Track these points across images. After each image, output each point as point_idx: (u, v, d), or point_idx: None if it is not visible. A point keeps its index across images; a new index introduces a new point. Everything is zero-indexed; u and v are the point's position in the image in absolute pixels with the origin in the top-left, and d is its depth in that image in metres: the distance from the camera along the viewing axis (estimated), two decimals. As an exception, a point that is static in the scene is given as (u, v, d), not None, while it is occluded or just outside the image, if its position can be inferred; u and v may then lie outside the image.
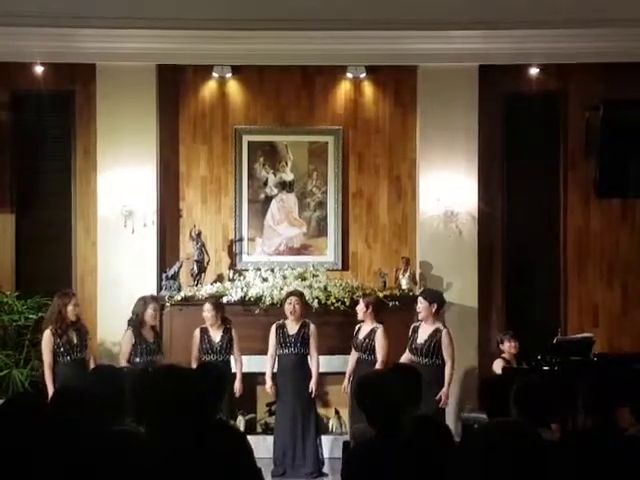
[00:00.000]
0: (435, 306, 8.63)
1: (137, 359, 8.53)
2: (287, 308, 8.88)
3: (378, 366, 8.51)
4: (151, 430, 3.92)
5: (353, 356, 8.95)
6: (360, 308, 8.88)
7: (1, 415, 3.76)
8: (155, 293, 9.64)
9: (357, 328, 8.94)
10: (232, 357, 8.92)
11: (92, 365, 8.42)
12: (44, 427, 3.76)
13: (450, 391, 8.58)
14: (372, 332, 8.78)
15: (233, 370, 8.90)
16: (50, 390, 8.18)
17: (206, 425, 4.39)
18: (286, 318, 8.90)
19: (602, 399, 4.39)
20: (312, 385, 8.81)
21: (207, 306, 8.95)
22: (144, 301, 8.74)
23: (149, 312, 8.66)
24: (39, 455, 3.64)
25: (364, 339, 8.80)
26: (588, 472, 3.96)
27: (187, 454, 3.77)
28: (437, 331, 8.54)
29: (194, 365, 8.39)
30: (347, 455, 4.54)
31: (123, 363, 8.32)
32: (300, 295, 9.02)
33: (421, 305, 8.63)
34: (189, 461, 3.73)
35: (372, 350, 8.73)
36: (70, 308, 8.45)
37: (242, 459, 4.42)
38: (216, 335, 8.88)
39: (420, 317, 8.65)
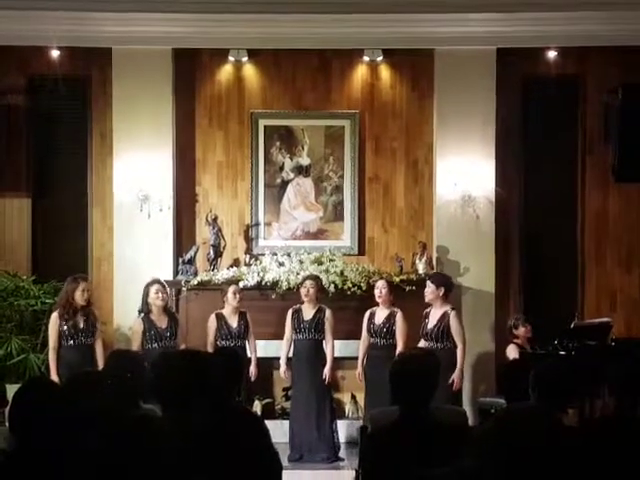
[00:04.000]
0: (442, 290, 8.60)
1: (149, 346, 8.47)
2: (302, 291, 8.88)
3: (399, 350, 8.42)
4: (169, 414, 3.92)
5: (365, 342, 8.85)
6: (386, 291, 8.76)
7: (18, 400, 3.75)
8: (171, 278, 9.65)
9: (369, 314, 8.83)
10: (246, 342, 8.90)
11: (100, 352, 8.41)
12: (60, 412, 3.75)
13: (465, 375, 8.56)
14: (391, 316, 8.71)
15: (248, 355, 8.89)
16: (53, 373, 8.23)
17: (224, 409, 4.39)
18: (302, 303, 8.90)
19: (632, 383, 4.35)
20: (326, 371, 8.78)
21: (235, 288, 8.92)
22: (146, 284, 8.73)
23: (151, 295, 8.63)
24: (57, 441, 3.64)
25: (383, 323, 8.72)
26: (609, 457, 3.93)
27: (204, 438, 3.76)
28: (445, 314, 8.51)
29: (210, 350, 8.37)
30: (368, 438, 4.51)
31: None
32: (316, 279, 9.01)
33: (428, 289, 8.62)
34: (206, 445, 3.72)
35: (392, 334, 8.68)
36: (78, 294, 8.39)
37: (259, 442, 4.41)
38: (233, 321, 8.86)
39: (426, 300, 8.64)
